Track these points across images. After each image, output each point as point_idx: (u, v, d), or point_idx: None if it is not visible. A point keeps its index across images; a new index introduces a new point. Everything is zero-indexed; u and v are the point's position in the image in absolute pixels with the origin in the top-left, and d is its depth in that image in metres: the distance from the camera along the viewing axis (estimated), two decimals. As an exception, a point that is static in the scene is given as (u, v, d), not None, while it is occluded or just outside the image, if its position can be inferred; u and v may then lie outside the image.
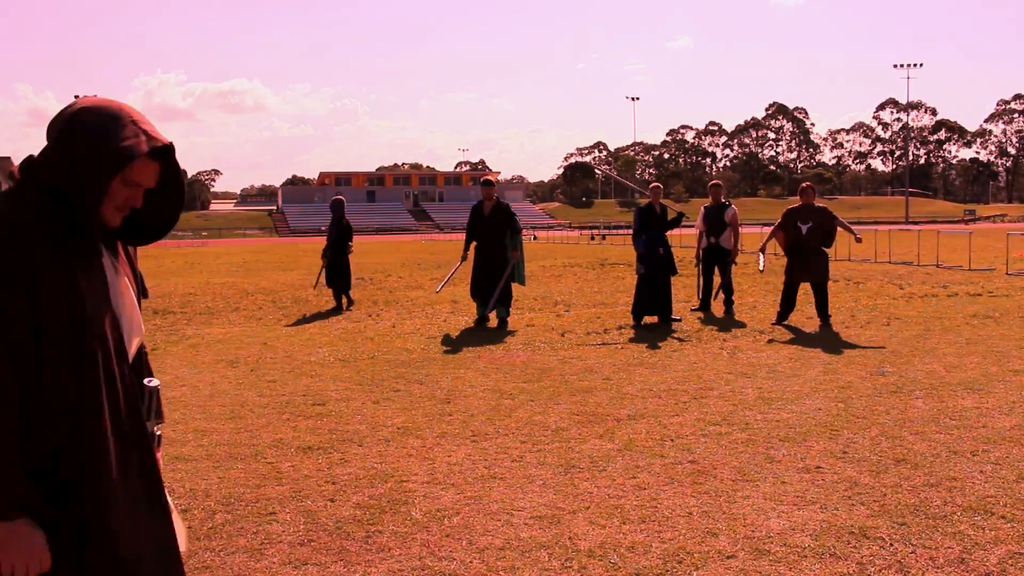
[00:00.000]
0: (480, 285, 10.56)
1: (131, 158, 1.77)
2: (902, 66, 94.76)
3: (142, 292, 12.73)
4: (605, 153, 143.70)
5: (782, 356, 8.00)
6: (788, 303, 10.22)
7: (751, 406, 6.03)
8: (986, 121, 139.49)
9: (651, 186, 11.08)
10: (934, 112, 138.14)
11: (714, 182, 12.14)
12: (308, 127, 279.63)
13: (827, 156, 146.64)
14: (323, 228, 72.71)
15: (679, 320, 10.59)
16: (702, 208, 11.92)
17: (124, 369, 1.83)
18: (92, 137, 1.76)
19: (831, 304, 12.08)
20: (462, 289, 14.44)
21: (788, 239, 10.17)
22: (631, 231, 11.24)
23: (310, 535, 3.87)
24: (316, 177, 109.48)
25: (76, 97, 2.25)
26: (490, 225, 10.54)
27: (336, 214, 12.90)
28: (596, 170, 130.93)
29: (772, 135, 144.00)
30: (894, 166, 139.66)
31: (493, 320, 10.68)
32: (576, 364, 7.79)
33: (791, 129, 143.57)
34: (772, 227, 10.72)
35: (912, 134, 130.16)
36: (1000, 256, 20.52)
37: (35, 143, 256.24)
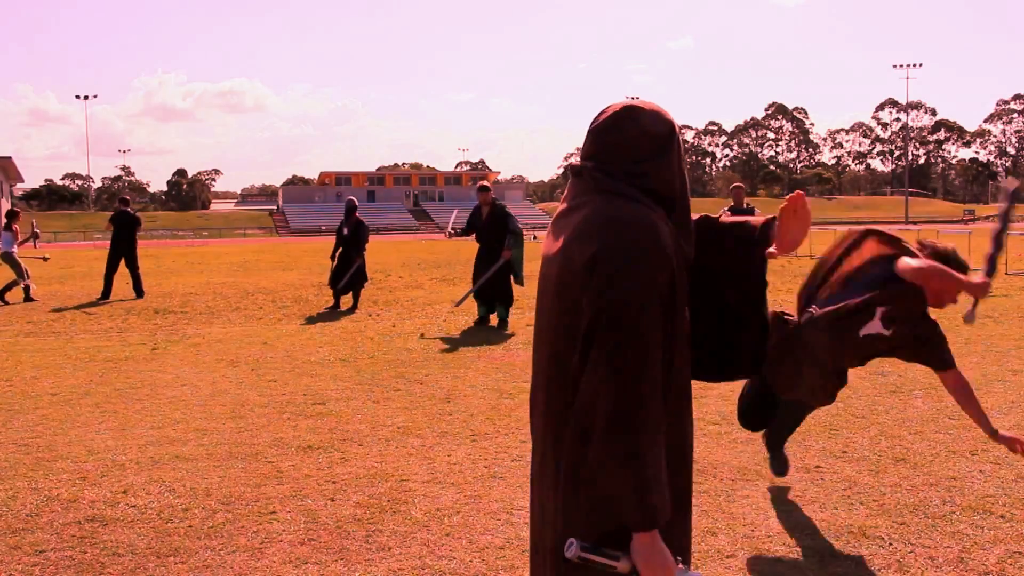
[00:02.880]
0: (481, 286, 10.64)
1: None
2: (902, 66, 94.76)
3: (137, 293, 12.43)
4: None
5: (782, 356, 8.01)
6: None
7: (751, 406, 6.04)
8: (985, 121, 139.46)
9: (732, 186, 11.47)
10: (933, 112, 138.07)
11: (736, 184, 11.69)
12: (308, 127, 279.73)
13: (827, 156, 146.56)
14: (323, 228, 71.44)
15: None
16: (724, 211, 11.55)
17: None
18: (680, 148, 1.83)
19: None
20: (462, 290, 14.44)
21: None
22: None
23: (310, 534, 3.88)
24: (316, 177, 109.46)
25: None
26: (487, 229, 10.64)
27: (349, 215, 12.91)
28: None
29: (772, 135, 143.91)
30: (893, 166, 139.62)
31: (493, 320, 10.71)
32: (576, 364, 7.79)
33: (791, 129, 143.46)
34: None
35: (911, 134, 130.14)
36: (999, 256, 20.52)
37: (35, 143, 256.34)
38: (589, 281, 1.66)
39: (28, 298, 14.46)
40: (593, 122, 1.86)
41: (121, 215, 14.87)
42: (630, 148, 1.78)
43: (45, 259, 15.56)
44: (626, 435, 1.61)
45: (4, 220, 14.82)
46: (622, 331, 1.63)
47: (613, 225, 1.69)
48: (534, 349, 1.89)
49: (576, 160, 1.88)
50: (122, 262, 14.78)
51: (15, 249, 14.60)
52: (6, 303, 14.19)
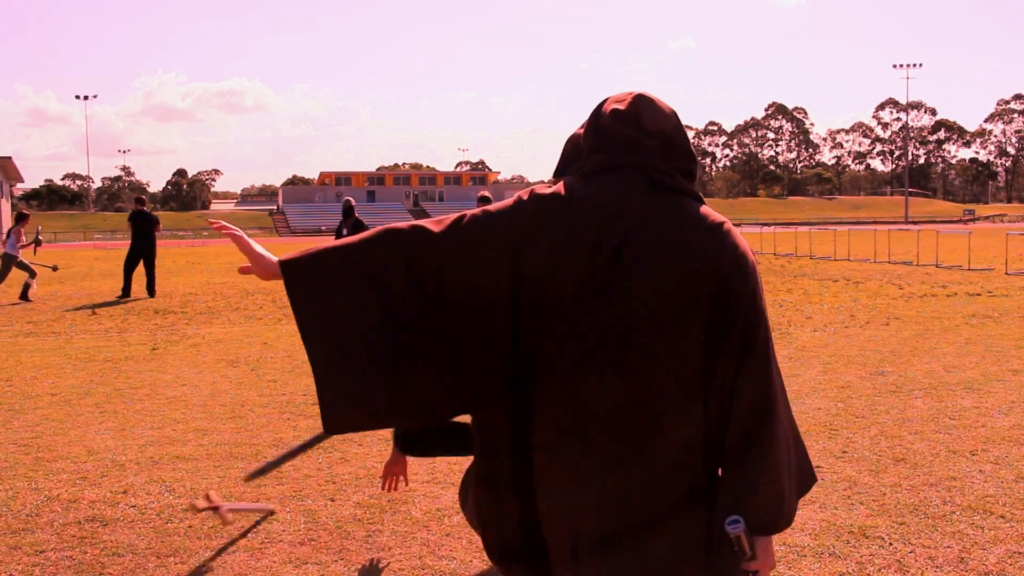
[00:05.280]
0: None
1: None
2: (902, 66, 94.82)
3: (150, 292, 12.49)
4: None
5: (782, 356, 8.01)
6: None
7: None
8: (985, 121, 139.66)
9: None
10: (934, 112, 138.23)
11: None
12: (308, 127, 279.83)
13: (827, 156, 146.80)
14: (324, 228, 71.29)
15: None
16: None
17: None
18: None
19: (831, 305, 12.10)
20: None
21: None
22: None
23: (310, 534, 3.88)
24: (316, 177, 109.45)
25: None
26: None
27: (347, 215, 12.93)
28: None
29: (772, 135, 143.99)
30: (893, 166, 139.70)
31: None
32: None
33: (791, 129, 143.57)
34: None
35: (911, 134, 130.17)
36: (999, 256, 20.53)
37: (35, 143, 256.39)
38: (728, 290, 1.63)
39: (25, 297, 14.54)
40: (614, 108, 1.75)
41: (138, 215, 15.13)
42: (674, 138, 1.75)
43: (54, 268, 15.82)
44: (795, 440, 1.70)
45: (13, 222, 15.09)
46: (769, 338, 1.68)
47: (727, 232, 1.68)
48: (594, 360, 1.65)
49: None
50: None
51: (18, 252, 14.75)
52: (29, 300, 14.39)
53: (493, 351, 1.71)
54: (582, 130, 1.82)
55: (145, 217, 15.09)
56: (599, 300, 1.63)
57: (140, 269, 15.01)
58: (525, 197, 1.74)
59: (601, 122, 1.76)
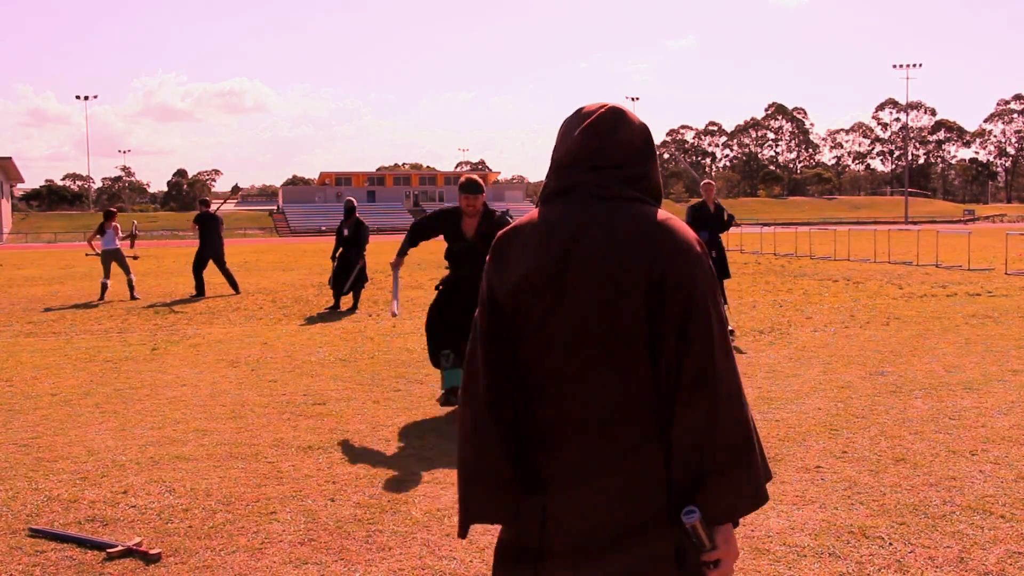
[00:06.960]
0: (446, 329, 6.18)
1: None
2: (902, 66, 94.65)
3: (233, 287, 12.69)
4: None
5: (782, 356, 8.01)
6: None
7: (751, 406, 6.03)
8: (985, 121, 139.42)
9: (703, 183, 10.00)
10: (933, 112, 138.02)
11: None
12: (309, 127, 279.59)
13: (826, 156, 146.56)
14: (324, 228, 71.14)
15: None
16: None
17: None
18: None
19: (831, 305, 12.10)
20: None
21: None
22: None
23: (311, 534, 3.88)
24: (317, 177, 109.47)
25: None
26: (472, 251, 6.01)
27: (348, 215, 13.03)
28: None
29: (772, 135, 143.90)
30: (893, 166, 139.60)
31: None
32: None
33: (790, 129, 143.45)
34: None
35: (911, 134, 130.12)
36: (999, 256, 20.54)
37: (35, 143, 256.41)
38: (664, 281, 1.65)
39: (102, 298, 14.84)
40: (581, 122, 1.81)
41: (204, 216, 15.48)
42: (635, 147, 1.78)
43: (135, 258, 16.25)
44: (749, 426, 1.69)
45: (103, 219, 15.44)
46: (715, 325, 1.66)
47: (666, 225, 1.71)
48: (563, 355, 1.73)
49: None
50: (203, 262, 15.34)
51: (117, 245, 15.11)
52: (104, 299, 14.57)
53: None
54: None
55: (210, 218, 15.47)
56: (555, 310, 1.73)
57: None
58: (495, 241, 1.90)
59: (563, 139, 1.84)
